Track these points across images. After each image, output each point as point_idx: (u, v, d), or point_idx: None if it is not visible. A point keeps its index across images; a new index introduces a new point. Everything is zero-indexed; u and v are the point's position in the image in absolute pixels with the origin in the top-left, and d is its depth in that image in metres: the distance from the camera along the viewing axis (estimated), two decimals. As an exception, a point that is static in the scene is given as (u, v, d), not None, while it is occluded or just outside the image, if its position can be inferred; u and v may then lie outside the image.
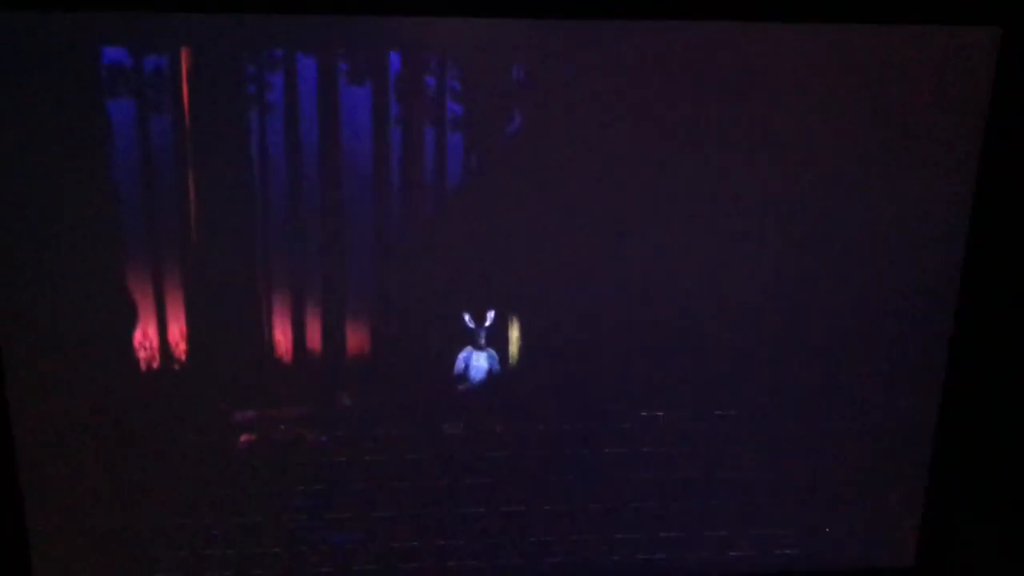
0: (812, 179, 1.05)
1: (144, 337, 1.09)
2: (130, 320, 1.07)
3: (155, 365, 1.09)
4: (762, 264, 1.08)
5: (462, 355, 1.10)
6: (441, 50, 1.00)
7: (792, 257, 1.08)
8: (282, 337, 1.10)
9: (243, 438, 1.11)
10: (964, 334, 1.08)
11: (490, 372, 1.11)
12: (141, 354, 1.09)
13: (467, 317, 1.09)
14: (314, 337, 1.11)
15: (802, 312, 1.10)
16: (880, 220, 1.07)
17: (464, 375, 1.11)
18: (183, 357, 1.10)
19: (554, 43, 1.00)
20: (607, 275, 1.08)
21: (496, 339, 1.10)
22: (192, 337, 1.09)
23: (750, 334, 1.10)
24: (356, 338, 1.10)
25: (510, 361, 1.10)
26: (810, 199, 1.06)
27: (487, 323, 1.10)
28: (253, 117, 1.01)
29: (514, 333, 1.09)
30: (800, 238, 1.07)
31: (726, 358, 1.11)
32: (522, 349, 1.10)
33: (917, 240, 1.07)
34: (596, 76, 1.01)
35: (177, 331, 1.09)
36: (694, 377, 1.11)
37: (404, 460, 1.12)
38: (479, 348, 1.10)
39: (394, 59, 1.02)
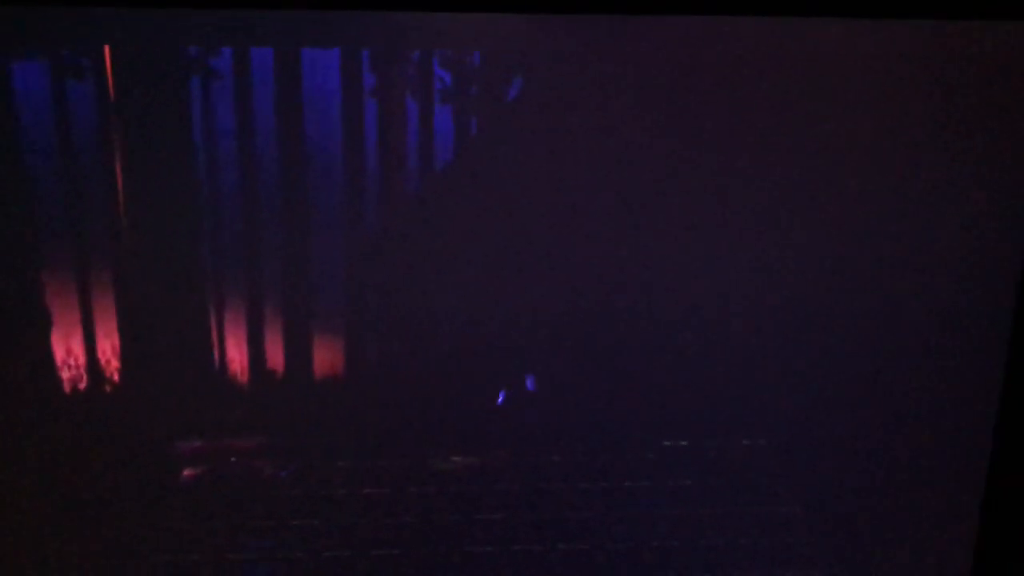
0: (852, 191, 0.97)
1: (68, 355, 0.97)
2: (46, 333, 0.95)
3: (82, 387, 0.98)
4: (797, 285, 0.99)
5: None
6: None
7: (830, 279, 0.99)
8: (236, 354, 1.00)
9: (187, 472, 1.00)
10: (1020, 363, 1.00)
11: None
12: (65, 374, 0.97)
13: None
14: (275, 354, 1.00)
15: (840, 335, 1.00)
16: (928, 240, 0.97)
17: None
18: (116, 377, 0.98)
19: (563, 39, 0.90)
20: (626, 294, 0.99)
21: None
22: (126, 354, 0.97)
23: (782, 357, 1.01)
24: (326, 355, 1.00)
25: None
26: (850, 214, 0.97)
27: None
28: (195, 90, 0.89)
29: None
30: (839, 260, 0.98)
31: (755, 383, 1.02)
32: (534, 371, 1.02)
33: (968, 263, 0.97)
34: (617, 75, 0.92)
35: (109, 347, 0.97)
36: (720, 404, 1.02)
37: (407, 494, 1.02)
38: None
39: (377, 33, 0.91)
